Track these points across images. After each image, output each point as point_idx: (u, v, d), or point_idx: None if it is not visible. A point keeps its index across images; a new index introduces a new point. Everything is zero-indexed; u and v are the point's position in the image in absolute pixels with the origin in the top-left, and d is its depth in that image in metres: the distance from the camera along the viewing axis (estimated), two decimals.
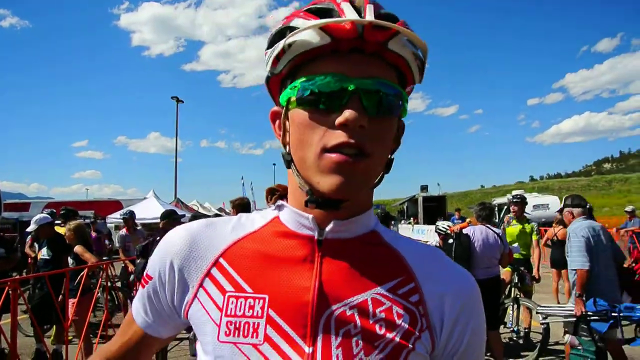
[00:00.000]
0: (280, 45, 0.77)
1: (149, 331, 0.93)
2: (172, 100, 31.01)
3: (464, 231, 5.60)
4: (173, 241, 0.88)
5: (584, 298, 4.64)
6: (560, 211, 5.72)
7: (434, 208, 33.36)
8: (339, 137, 0.73)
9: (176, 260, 0.85)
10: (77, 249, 5.92)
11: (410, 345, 0.77)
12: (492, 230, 5.68)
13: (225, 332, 0.77)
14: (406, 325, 0.78)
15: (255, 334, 0.75)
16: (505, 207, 8.58)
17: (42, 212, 7.04)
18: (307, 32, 0.74)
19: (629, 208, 12.35)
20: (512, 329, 6.57)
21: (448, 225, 6.29)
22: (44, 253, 6.27)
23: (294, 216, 0.85)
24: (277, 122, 0.87)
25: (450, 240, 5.62)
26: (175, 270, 0.85)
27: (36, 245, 7.19)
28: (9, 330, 4.49)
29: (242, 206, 5.75)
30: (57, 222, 7.51)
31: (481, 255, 5.43)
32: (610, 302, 4.59)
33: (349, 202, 0.80)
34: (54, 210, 8.77)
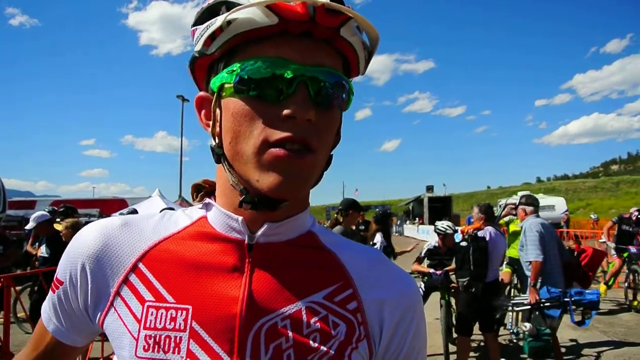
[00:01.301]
0: (217, 22, 0.67)
1: (62, 339, 0.84)
2: (178, 99, 31.04)
3: (480, 234, 5.46)
4: (85, 241, 0.78)
5: (537, 287, 5.12)
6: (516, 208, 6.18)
7: (439, 208, 33.35)
8: (284, 130, 0.66)
9: (88, 262, 0.76)
10: None
11: (346, 358, 0.72)
12: (498, 231, 5.66)
13: (144, 346, 0.69)
14: (342, 336, 0.73)
15: (177, 349, 0.68)
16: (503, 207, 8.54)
17: (44, 210, 7.01)
18: (251, 10, 0.65)
19: (634, 209, 12.20)
20: (511, 330, 6.53)
21: (448, 226, 6.23)
22: (42, 251, 6.27)
23: (222, 217, 0.77)
24: (204, 110, 0.78)
25: (464, 243, 5.49)
26: (88, 274, 0.76)
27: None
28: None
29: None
30: (57, 219, 7.52)
31: (494, 258, 5.38)
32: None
33: (287, 202, 0.73)
34: (55, 208, 8.75)
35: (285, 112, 0.66)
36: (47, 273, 5.55)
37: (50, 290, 0.83)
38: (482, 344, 6.09)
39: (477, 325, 5.42)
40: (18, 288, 6.22)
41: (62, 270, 0.79)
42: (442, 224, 6.28)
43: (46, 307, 0.84)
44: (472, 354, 6.09)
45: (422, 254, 6.46)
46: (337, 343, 0.72)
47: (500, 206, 10.87)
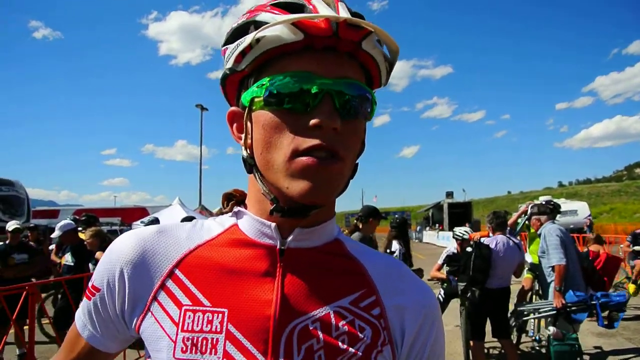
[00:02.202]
0: (247, 39, 0.72)
1: (97, 345, 0.86)
2: (197, 108, 31.38)
3: (485, 241, 5.45)
4: (123, 248, 0.81)
5: (562, 291, 5.12)
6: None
7: (459, 214, 33.07)
8: (312, 139, 0.70)
9: (126, 269, 0.79)
10: (99, 254, 6.01)
11: (373, 359, 0.76)
12: (512, 240, 5.55)
13: (182, 348, 0.72)
14: (368, 339, 0.76)
15: (214, 350, 0.71)
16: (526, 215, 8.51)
17: (68, 219, 7.16)
18: (279, 27, 0.69)
19: None
20: (533, 337, 6.45)
21: (466, 231, 6.21)
22: (67, 259, 6.36)
23: (254, 224, 0.81)
24: (236, 124, 0.83)
25: (469, 249, 5.47)
26: (126, 279, 0.79)
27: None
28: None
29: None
30: (79, 229, 7.65)
31: (501, 266, 5.31)
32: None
33: (315, 210, 0.77)
34: (77, 217, 8.92)
35: (313, 121, 0.70)
36: (70, 281, 5.65)
37: (84, 297, 0.86)
38: (502, 351, 6.03)
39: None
40: (43, 296, 6.34)
41: (99, 277, 0.82)
42: (460, 230, 6.26)
43: (80, 314, 0.87)
44: None
45: (442, 261, 6.43)
46: (364, 346, 0.76)
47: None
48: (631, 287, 8.54)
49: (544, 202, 7.83)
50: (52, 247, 8.82)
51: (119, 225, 22.74)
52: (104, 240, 6.24)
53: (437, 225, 36.40)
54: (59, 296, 6.40)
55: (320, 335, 0.74)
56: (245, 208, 0.85)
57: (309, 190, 0.70)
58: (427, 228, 39.04)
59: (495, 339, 5.52)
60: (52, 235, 7.01)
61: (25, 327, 5.08)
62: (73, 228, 6.67)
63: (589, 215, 28.97)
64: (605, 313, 5.14)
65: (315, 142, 0.70)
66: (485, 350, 5.72)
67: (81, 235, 6.81)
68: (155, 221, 8.32)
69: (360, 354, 0.75)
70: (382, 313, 0.80)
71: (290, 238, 0.79)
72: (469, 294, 5.19)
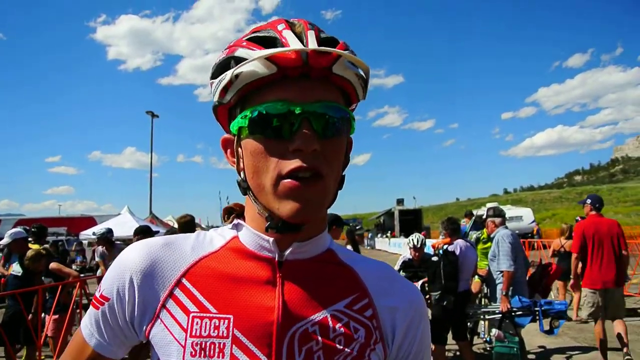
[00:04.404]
0: (227, 76, 0.79)
1: (105, 353, 0.90)
2: (147, 114, 30.80)
3: (450, 248, 5.66)
4: (132, 257, 0.86)
5: (509, 296, 5.38)
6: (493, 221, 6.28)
7: (410, 221, 33.54)
8: (294, 162, 0.76)
9: (136, 277, 0.84)
10: (53, 265, 5.86)
11: (366, 357, 0.84)
12: (468, 242, 5.89)
13: (191, 352, 0.77)
14: (362, 339, 0.84)
15: (221, 354, 0.77)
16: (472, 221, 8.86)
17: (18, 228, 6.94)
18: (254, 63, 0.76)
19: None
20: (484, 338, 6.70)
21: (420, 238, 6.34)
22: (14, 269, 6.14)
23: (254, 238, 0.87)
24: (229, 150, 0.90)
25: (435, 258, 5.67)
26: (135, 288, 0.84)
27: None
28: None
29: (186, 224, 5.84)
30: (29, 239, 7.40)
31: (465, 270, 5.59)
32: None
33: (308, 224, 0.83)
34: (27, 227, 8.63)
35: (293, 147, 0.76)
36: (21, 294, 5.47)
37: (91, 307, 0.90)
38: (457, 353, 6.24)
39: (451, 335, 5.59)
40: None
41: (109, 286, 0.86)
42: (415, 237, 6.43)
43: (87, 323, 0.90)
44: None
45: (398, 267, 6.59)
46: (358, 345, 0.83)
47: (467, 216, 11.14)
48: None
49: (494, 208, 8.21)
50: None
51: (65, 236, 21.99)
52: (49, 256, 6.07)
53: (388, 232, 36.88)
54: (4, 308, 6.11)
55: (319, 338, 0.81)
56: (244, 221, 0.92)
57: (297, 210, 0.77)
58: (379, 235, 39.49)
59: (452, 342, 5.71)
60: (1, 242, 6.80)
61: None
62: (24, 237, 6.50)
63: (533, 221, 30.08)
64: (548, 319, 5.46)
65: (296, 164, 0.76)
66: None
67: (31, 246, 6.60)
68: (109, 232, 7.97)
69: (355, 353, 0.82)
70: (374, 314, 0.87)
71: (288, 251, 0.85)
72: (445, 302, 5.32)
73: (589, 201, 6.02)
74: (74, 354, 0.93)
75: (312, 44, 0.76)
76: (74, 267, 11.66)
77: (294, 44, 0.76)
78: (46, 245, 6.71)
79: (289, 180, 0.76)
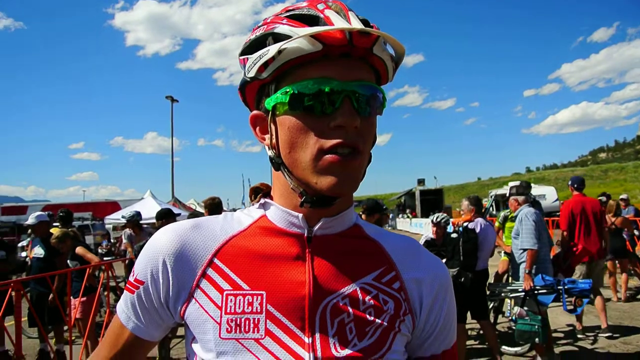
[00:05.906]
0: (270, 51, 0.78)
1: (142, 335, 0.92)
2: (167, 99, 30.97)
3: (470, 226, 5.61)
4: (163, 242, 0.88)
5: (532, 275, 5.36)
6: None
7: (431, 201, 33.53)
8: (336, 138, 0.78)
9: (168, 260, 0.86)
10: (79, 249, 5.97)
11: (397, 328, 0.86)
12: (488, 222, 5.81)
13: (227, 329, 0.79)
14: (392, 311, 0.86)
15: (256, 329, 0.79)
16: (493, 200, 8.74)
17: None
18: (299, 40, 0.76)
19: (624, 196, 12.44)
20: (510, 317, 6.67)
21: (442, 217, 6.30)
22: (37, 252, 6.34)
23: (283, 215, 0.89)
24: (259, 127, 0.90)
25: (454, 235, 5.63)
26: (169, 269, 0.86)
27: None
28: (12, 332, 4.55)
29: (213, 206, 5.81)
30: (55, 224, 7.56)
31: (484, 249, 5.53)
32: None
33: (338, 200, 0.86)
34: (52, 213, 8.81)
35: (337, 122, 0.78)
36: (45, 275, 5.61)
37: (126, 291, 0.93)
38: (481, 332, 6.22)
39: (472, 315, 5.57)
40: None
41: (142, 269, 0.88)
42: (437, 216, 6.39)
43: (123, 308, 0.93)
44: (471, 342, 6.24)
45: None
46: (389, 316, 0.85)
47: (490, 197, 11.03)
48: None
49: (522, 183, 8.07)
50: (23, 243, 8.69)
51: (90, 220, 22.42)
52: (75, 238, 6.18)
53: (408, 211, 36.82)
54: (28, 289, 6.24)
55: (350, 310, 0.83)
56: (271, 200, 0.93)
57: (336, 184, 0.79)
58: (400, 215, 39.46)
59: (474, 321, 5.70)
60: (27, 222, 7.03)
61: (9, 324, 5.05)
62: (46, 220, 6.72)
63: (557, 199, 29.69)
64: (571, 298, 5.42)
65: (338, 140, 0.78)
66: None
67: (55, 231, 6.73)
68: (138, 215, 8.16)
69: (386, 324, 0.84)
70: (402, 286, 0.89)
71: (317, 227, 0.87)
72: (462, 279, 5.31)
73: (569, 182, 6.69)
74: (113, 339, 0.95)
75: (357, 24, 0.77)
76: (99, 250, 11.86)
77: (338, 23, 0.77)
78: (73, 228, 6.82)
79: (331, 155, 0.78)
